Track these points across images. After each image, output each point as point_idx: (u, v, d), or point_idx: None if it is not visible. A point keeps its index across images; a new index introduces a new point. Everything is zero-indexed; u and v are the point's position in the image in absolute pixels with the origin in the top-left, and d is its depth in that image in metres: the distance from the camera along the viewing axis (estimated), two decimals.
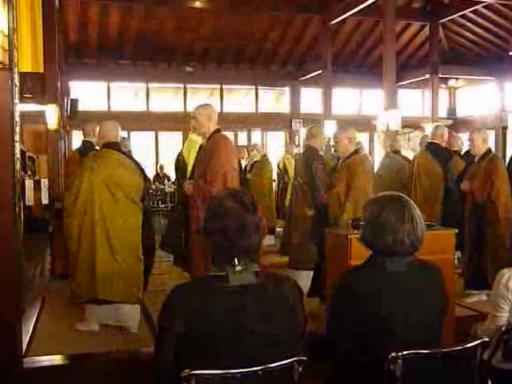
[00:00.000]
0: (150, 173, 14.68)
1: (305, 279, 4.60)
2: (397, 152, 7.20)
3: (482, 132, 4.88)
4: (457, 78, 16.34)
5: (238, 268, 1.71)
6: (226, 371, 1.61)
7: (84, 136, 5.74)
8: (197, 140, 4.84)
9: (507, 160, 6.46)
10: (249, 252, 1.74)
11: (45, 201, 8.22)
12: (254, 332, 1.68)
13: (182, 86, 15.29)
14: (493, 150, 4.91)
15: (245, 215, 1.72)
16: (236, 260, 1.71)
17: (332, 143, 4.64)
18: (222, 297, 1.68)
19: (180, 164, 4.78)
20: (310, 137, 5.11)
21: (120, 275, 3.89)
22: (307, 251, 4.81)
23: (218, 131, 4.01)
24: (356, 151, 4.45)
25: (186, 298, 1.69)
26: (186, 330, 1.66)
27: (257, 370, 1.63)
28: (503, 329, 2.19)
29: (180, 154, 4.87)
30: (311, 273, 4.63)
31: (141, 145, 14.68)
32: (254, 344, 1.68)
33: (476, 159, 4.83)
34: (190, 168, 4.58)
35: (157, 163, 15.09)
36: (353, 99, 16.49)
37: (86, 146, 5.50)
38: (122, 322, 4.01)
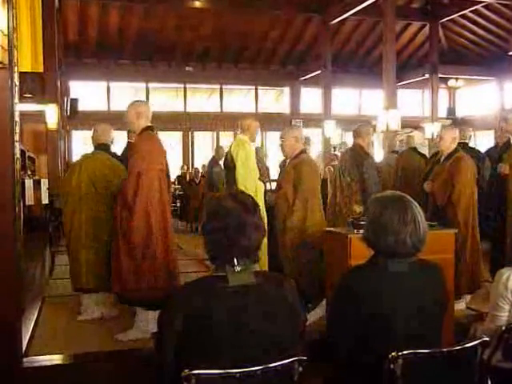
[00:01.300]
0: None
1: None
2: (395, 152, 7.34)
3: (453, 130, 4.72)
4: (456, 78, 16.34)
5: (238, 268, 1.71)
6: (226, 371, 1.61)
7: (128, 138, 5.59)
8: (245, 140, 4.88)
9: None
10: (248, 252, 1.74)
11: (45, 200, 8.21)
12: (256, 332, 1.68)
13: (182, 85, 15.30)
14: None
15: (245, 215, 1.72)
16: (235, 260, 1.71)
17: (279, 143, 4.55)
18: (223, 297, 1.67)
19: (229, 164, 4.82)
20: (357, 135, 5.15)
21: (101, 265, 4.16)
22: None
23: (147, 129, 3.81)
24: (302, 151, 4.34)
25: (187, 297, 1.69)
26: (186, 329, 1.66)
27: (256, 370, 1.63)
28: (503, 328, 2.18)
29: (228, 154, 4.90)
30: None
31: None
32: (256, 344, 1.68)
33: (442, 158, 4.67)
34: (238, 167, 4.65)
35: None
36: (353, 99, 16.51)
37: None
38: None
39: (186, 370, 1.58)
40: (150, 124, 3.83)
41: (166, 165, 3.84)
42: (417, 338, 1.90)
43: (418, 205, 2.00)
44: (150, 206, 3.63)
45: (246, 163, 4.76)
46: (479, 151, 5.94)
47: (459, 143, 5.82)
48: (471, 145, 6.30)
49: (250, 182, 4.73)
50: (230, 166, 4.81)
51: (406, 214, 1.93)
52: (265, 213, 4.42)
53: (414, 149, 6.71)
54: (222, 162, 7.83)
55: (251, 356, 1.65)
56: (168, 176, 3.87)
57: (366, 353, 1.93)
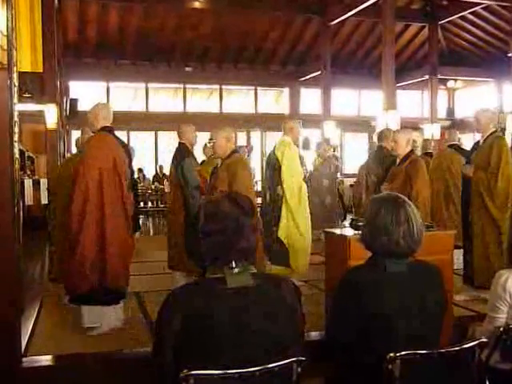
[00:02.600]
0: (150, 173, 14.68)
1: None
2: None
3: (406, 132, 4.71)
4: (455, 79, 16.37)
5: (236, 270, 1.71)
6: (225, 371, 1.61)
7: (180, 138, 5.30)
8: (289, 142, 4.94)
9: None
10: (246, 254, 1.74)
11: (44, 200, 8.21)
12: (258, 332, 1.67)
13: (181, 86, 15.30)
14: None
15: (243, 218, 1.73)
16: (234, 262, 1.71)
17: (210, 144, 4.48)
18: (224, 298, 1.67)
19: (274, 165, 4.89)
20: (381, 138, 5.59)
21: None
22: None
23: (103, 129, 3.90)
24: (234, 151, 4.32)
25: (187, 298, 1.69)
26: (185, 329, 1.66)
27: (255, 371, 1.63)
28: (501, 329, 2.19)
29: (274, 154, 4.96)
30: None
31: (140, 145, 14.68)
32: (258, 344, 1.68)
33: (398, 160, 4.67)
34: (284, 168, 4.80)
35: (156, 163, 15.08)
36: (352, 100, 16.51)
37: (181, 149, 5.10)
38: None
39: (185, 370, 1.58)
40: (107, 125, 3.94)
41: (115, 164, 3.79)
42: (418, 339, 1.90)
43: (412, 205, 2.01)
44: (86, 201, 3.70)
45: (291, 164, 4.88)
46: (470, 152, 6.03)
47: (450, 145, 6.03)
48: (470, 145, 6.39)
49: (295, 183, 4.87)
50: (276, 167, 4.93)
51: (398, 215, 1.94)
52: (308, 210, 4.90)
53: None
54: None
55: (253, 356, 1.65)
56: (118, 175, 3.80)
57: (367, 353, 1.93)
